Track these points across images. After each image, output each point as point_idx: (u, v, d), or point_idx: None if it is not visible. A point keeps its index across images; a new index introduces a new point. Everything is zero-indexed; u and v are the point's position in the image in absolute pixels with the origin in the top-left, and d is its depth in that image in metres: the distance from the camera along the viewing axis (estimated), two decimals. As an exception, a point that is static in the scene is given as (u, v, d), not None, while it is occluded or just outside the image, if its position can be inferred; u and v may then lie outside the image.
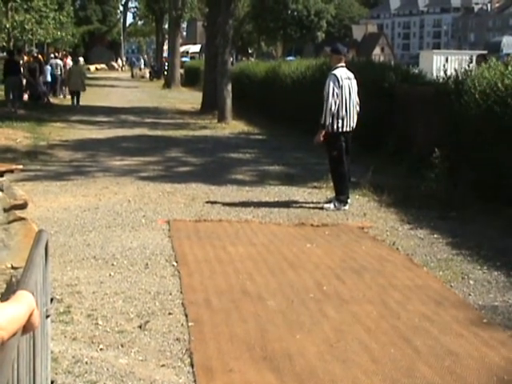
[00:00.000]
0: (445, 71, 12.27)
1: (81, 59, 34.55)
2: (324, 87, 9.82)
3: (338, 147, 9.82)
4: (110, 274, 6.69)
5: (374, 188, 10.77)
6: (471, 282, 6.67)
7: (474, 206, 9.48)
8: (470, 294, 6.32)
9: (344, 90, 9.71)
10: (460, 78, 11.33)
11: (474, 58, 13.72)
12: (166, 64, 50.26)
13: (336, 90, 9.62)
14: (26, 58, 28.74)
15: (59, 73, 32.74)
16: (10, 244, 5.29)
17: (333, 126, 9.72)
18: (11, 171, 8.65)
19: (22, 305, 1.87)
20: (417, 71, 15.91)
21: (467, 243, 8.01)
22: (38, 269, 2.68)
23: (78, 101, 27.93)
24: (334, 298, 6.14)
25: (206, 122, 22.45)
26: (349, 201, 9.96)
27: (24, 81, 26.72)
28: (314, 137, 10.03)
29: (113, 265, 7.00)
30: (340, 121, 9.72)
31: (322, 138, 9.79)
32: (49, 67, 31.94)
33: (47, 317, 3.12)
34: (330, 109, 9.60)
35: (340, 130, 9.75)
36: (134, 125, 21.53)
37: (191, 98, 31.81)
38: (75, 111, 25.69)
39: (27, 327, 1.90)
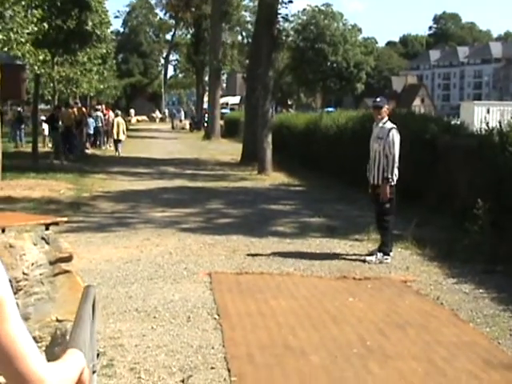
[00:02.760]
0: (487, 123, 12.19)
1: (119, 112, 35.16)
2: (379, 141, 9.83)
3: (392, 199, 9.82)
4: (152, 327, 6.67)
5: (416, 241, 10.66)
6: (519, 338, 6.52)
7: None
8: (518, 352, 6.17)
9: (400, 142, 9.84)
10: (504, 129, 11.25)
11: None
12: (206, 115, 50.75)
13: (398, 143, 9.73)
14: (73, 110, 29.30)
15: (101, 125, 33.31)
16: (55, 297, 5.31)
17: (393, 179, 9.77)
18: (56, 224, 8.76)
19: (73, 364, 1.87)
20: (458, 123, 15.86)
21: (514, 298, 7.85)
22: (86, 326, 2.68)
23: (117, 147, 30.97)
24: (378, 353, 6.04)
25: (246, 173, 22.53)
26: (392, 253, 9.87)
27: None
28: (355, 189, 10.00)
29: (155, 317, 6.99)
30: (396, 173, 9.77)
31: (388, 193, 9.78)
32: (91, 120, 32.55)
33: (93, 372, 3.10)
34: (395, 161, 9.67)
35: (395, 182, 9.78)
36: (175, 176, 21.70)
37: (231, 150, 32.02)
38: (116, 162, 26.03)
39: (77, 387, 1.90)
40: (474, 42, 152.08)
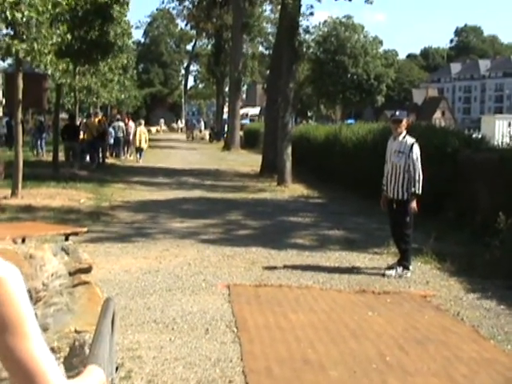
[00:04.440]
0: (510, 137, 12.12)
1: (142, 121, 35.68)
2: (399, 155, 9.80)
3: (413, 213, 9.78)
4: (170, 339, 6.66)
5: (436, 255, 10.59)
6: (541, 356, 6.44)
7: (542, 275, 9.22)
8: (540, 369, 6.09)
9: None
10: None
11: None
12: (226, 126, 50.87)
13: (419, 157, 9.73)
14: (95, 120, 29.51)
15: (121, 135, 33.48)
16: (74, 308, 5.30)
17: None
18: (76, 234, 8.80)
19: (93, 381, 1.87)
20: (479, 136, 15.78)
21: (535, 315, 7.76)
22: (105, 340, 2.67)
23: (140, 155, 32.77)
24: (397, 369, 5.98)
25: (265, 184, 22.52)
26: (411, 268, 9.82)
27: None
28: (374, 202, 9.98)
29: (173, 329, 6.97)
30: (420, 187, 9.74)
31: (416, 207, 9.76)
32: (111, 129, 32.72)
33: (112, 386, 3.09)
34: (421, 176, 9.65)
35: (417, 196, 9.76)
36: (194, 187, 21.73)
37: (250, 161, 32.04)
38: (136, 172, 26.15)
39: (98, 402, 1.90)
40: (496, 55, 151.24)
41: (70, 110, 36.00)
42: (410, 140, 9.87)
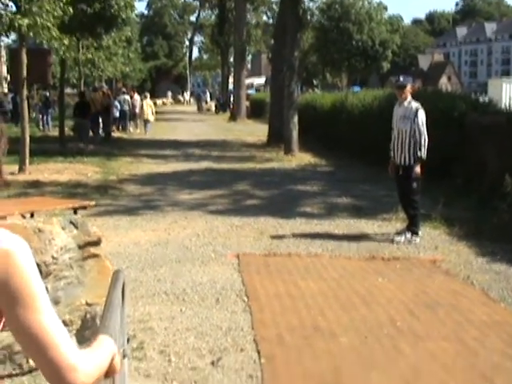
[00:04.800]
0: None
1: (147, 94, 35.67)
2: (405, 120, 9.75)
3: (419, 178, 9.75)
4: (181, 310, 6.69)
5: (445, 220, 10.58)
6: (551, 317, 6.45)
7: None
8: (550, 331, 6.10)
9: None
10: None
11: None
12: (232, 97, 50.69)
13: (425, 122, 9.68)
14: (100, 93, 29.41)
15: (127, 108, 33.42)
16: (85, 281, 5.33)
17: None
18: (84, 207, 8.82)
19: (104, 351, 1.88)
20: (486, 100, 15.67)
21: (545, 277, 7.77)
22: (116, 310, 2.68)
23: (146, 128, 33.14)
24: (408, 334, 6.01)
25: (272, 154, 22.47)
26: (420, 233, 9.81)
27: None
28: (382, 169, 9.96)
29: (184, 300, 7.01)
30: (425, 152, 9.70)
31: (420, 172, 9.73)
32: (117, 103, 32.65)
33: (124, 357, 3.11)
34: (426, 140, 9.62)
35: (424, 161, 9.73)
36: (201, 158, 21.71)
37: (257, 131, 31.96)
38: (143, 145, 26.13)
39: (109, 372, 1.92)
40: (502, 18, 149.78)
41: (76, 84, 35.94)
42: (414, 105, 9.81)
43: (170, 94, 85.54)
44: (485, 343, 5.77)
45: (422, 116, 9.72)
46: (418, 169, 9.69)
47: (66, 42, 18.55)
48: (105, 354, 1.86)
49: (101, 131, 28.38)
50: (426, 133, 9.67)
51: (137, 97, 35.53)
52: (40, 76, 19.92)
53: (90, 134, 27.10)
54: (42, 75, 20.06)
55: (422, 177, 9.79)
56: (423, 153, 9.65)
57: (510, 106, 12.79)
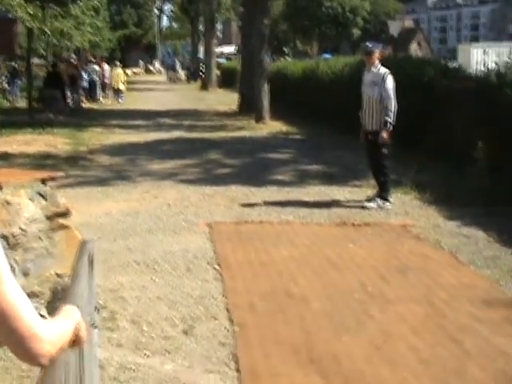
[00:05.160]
0: (485, 64, 12.08)
1: (118, 63, 35.21)
2: (373, 86, 9.75)
3: (388, 144, 9.77)
4: (152, 279, 6.68)
5: (415, 186, 10.65)
6: (520, 279, 6.54)
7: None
8: (518, 292, 6.19)
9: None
10: (501, 70, 11.15)
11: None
12: (203, 66, 50.34)
13: (394, 88, 9.67)
14: (69, 64, 29.04)
15: (97, 78, 33.09)
16: (54, 252, 5.30)
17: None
18: (53, 179, 8.74)
19: (69, 320, 1.87)
20: (456, 65, 15.71)
21: (514, 240, 7.86)
22: (83, 280, 2.66)
23: (120, 97, 33.18)
24: (378, 298, 6.06)
25: (243, 122, 22.40)
26: (391, 199, 9.86)
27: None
28: (352, 136, 9.98)
29: (155, 269, 7.00)
30: (393, 118, 9.71)
31: (388, 137, 9.73)
32: (85, 73, 32.29)
33: (94, 327, 3.10)
34: (394, 106, 9.62)
35: (392, 127, 9.72)
36: (172, 128, 21.58)
37: (228, 100, 31.81)
38: (113, 115, 25.91)
39: (75, 342, 1.91)
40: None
41: (43, 54, 35.46)
42: (383, 71, 9.81)
43: (141, 63, 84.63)
44: (453, 305, 5.84)
45: (389, 81, 9.72)
46: (384, 134, 9.70)
47: (30, 10, 18.24)
48: (69, 324, 1.85)
49: (70, 102, 28.05)
50: (394, 98, 9.67)
51: (106, 67, 35.12)
52: (6, 46, 19.61)
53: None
54: (9, 45, 19.73)
55: (391, 143, 9.81)
56: (390, 117, 9.66)
57: (478, 71, 12.83)
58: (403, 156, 12.32)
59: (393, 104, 9.65)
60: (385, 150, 9.82)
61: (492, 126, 10.65)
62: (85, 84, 31.93)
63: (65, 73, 27.54)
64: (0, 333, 1.66)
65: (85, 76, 32.02)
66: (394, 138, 10.02)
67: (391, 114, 9.65)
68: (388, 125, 9.67)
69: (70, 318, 1.88)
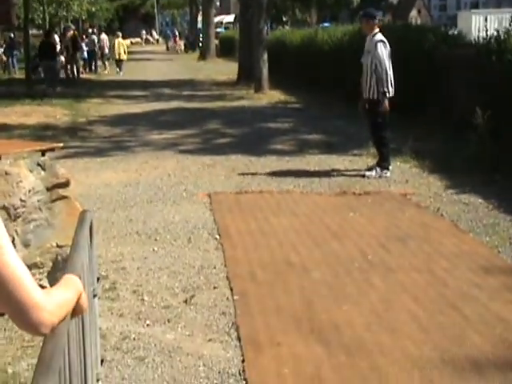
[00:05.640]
0: (486, 31, 11.99)
1: (119, 33, 35.02)
2: (367, 55, 9.68)
3: (384, 113, 9.70)
4: (153, 249, 6.69)
5: (415, 154, 10.63)
6: (519, 246, 6.55)
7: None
8: (518, 260, 6.20)
9: (389, 54, 9.65)
10: (502, 37, 11.07)
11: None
12: (201, 36, 50.01)
13: (386, 55, 9.55)
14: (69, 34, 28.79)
15: (96, 48, 32.94)
16: (54, 223, 5.30)
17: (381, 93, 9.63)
18: (52, 150, 8.73)
19: (69, 289, 1.87)
20: (456, 32, 15.60)
21: (514, 207, 7.86)
22: (83, 250, 2.66)
23: (120, 68, 32.83)
24: (379, 267, 6.07)
25: (242, 92, 22.32)
26: (390, 167, 9.84)
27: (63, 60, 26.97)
28: (352, 104, 9.93)
29: (156, 240, 7.01)
30: (390, 87, 9.61)
31: (387, 107, 9.65)
32: (84, 44, 32.11)
33: (94, 296, 3.11)
34: (388, 74, 9.52)
35: (389, 96, 9.63)
36: (171, 98, 21.50)
37: (227, 69, 31.63)
38: (112, 86, 25.79)
39: (76, 311, 1.91)
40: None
41: (41, 25, 35.22)
42: (376, 39, 9.69)
43: (144, 32, 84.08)
44: (454, 273, 5.85)
45: (380, 49, 9.58)
46: (384, 104, 9.63)
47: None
48: (70, 293, 1.85)
49: (69, 73, 27.93)
50: (387, 67, 9.53)
51: (104, 36, 34.91)
52: (4, 16, 19.49)
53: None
54: (6, 16, 19.62)
55: (388, 111, 9.73)
56: (385, 87, 9.57)
57: (479, 38, 12.73)
58: (403, 124, 12.28)
59: (385, 73, 9.53)
60: (381, 119, 9.75)
61: (493, 94, 10.59)
62: (84, 55, 31.78)
63: (64, 43, 27.37)
64: (1, 302, 1.66)
65: (84, 47, 31.83)
66: (394, 107, 9.97)
67: (386, 84, 9.55)
68: (381, 95, 9.58)
69: (71, 287, 1.88)
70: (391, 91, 9.62)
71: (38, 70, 24.73)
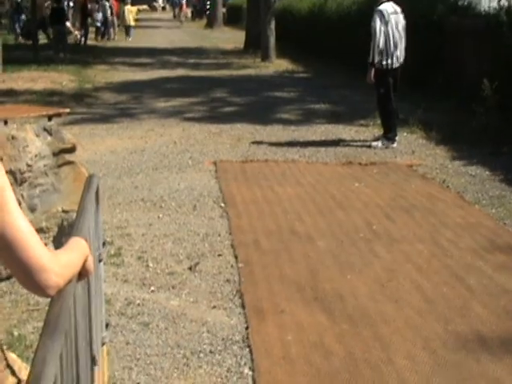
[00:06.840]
0: (498, 1, 11.86)
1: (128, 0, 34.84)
2: (371, 23, 9.59)
3: (386, 84, 9.61)
4: (158, 216, 6.70)
5: (422, 125, 10.57)
6: (525, 219, 6.54)
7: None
8: (523, 232, 6.19)
9: (391, 25, 9.48)
10: (512, 8, 10.96)
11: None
12: (208, 3, 49.59)
13: (383, 26, 9.41)
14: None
15: (109, 16, 32.95)
16: (60, 188, 5.30)
17: (381, 63, 9.52)
18: (59, 115, 8.72)
19: (76, 251, 1.87)
20: (466, 3, 15.44)
21: (520, 180, 7.84)
22: (89, 214, 2.66)
23: (129, 34, 33.39)
24: (384, 237, 6.07)
25: (249, 61, 22.20)
26: (397, 138, 9.81)
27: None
28: (360, 74, 9.86)
29: (161, 207, 7.01)
30: (389, 58, 9.51)
31: (372, 77, 9.56)
32: (98, 13, 32.16)
33: (100, 261, 3.11)
34: (378, 46, 9.41)
35: (389, 67, 9.54)
36: (177, 65, 21.40)
37: (234, 38, 31.44)
38: (118, 53, 25.68)
39: (82, 273, 1.91)
40: None
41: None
42: (376, 8, 9.59)
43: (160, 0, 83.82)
44: (459, 244, 5.85)
45: (375, 18, 9.47)
46: (369, 74, 9.52)
47: None
48: (77, 255, 1.85)
49: (79, 38, 27.93)
50: (378, 37, 9.40)
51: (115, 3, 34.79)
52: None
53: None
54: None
55: (372, 81, 9.60)
56: (371, 57, 9.46)
57: (489, 8, 12.61)
58: (412, 95, 12.22)
59: (376, 43, 9.40)
60: (382, 90, 9.67)
61: (501, 65, 10.51)
62: (98, 24, 31.86)
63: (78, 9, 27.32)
64: (8, 264, 1.66)
65: (99, 15, 31.89)
66: (404, 78, 9.89)
67: (372, 53, 9.44)
68: (371, 64, 9.50)
69: (78, 249, 1.88)
70: (384, 63, 9.47)
71: (32, 34, 24.63)
